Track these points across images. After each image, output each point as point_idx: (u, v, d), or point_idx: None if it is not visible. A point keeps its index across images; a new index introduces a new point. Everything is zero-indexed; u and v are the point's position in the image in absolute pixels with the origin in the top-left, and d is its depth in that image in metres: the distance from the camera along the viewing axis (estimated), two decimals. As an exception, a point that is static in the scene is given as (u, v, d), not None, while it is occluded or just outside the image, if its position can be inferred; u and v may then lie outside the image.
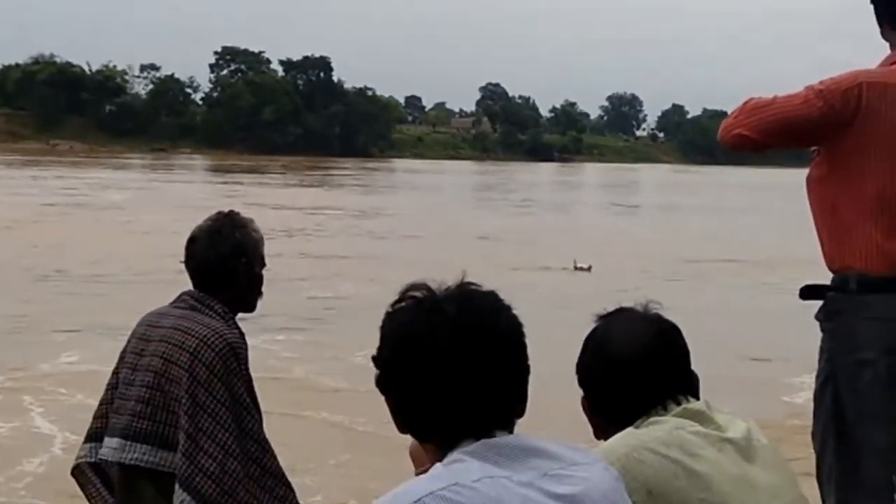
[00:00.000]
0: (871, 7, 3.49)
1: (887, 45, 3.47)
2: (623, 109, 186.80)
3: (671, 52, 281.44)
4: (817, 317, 3.43)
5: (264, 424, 3.41)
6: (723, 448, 2.04)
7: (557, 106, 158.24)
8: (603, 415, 2.20)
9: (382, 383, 1.69)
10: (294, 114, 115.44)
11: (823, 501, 3.39)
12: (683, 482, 1.98)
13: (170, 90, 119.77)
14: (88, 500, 3.51)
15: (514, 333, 1.67)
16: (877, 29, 3.51)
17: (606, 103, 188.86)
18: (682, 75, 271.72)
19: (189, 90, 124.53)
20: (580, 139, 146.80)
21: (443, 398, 1.62)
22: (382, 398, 1.70)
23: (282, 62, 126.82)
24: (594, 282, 19.69)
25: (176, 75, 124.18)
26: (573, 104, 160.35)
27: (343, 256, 22.89)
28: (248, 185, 51.50)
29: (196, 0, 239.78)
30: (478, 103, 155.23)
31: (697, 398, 2.16)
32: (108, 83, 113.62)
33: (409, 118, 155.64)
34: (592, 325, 2.24)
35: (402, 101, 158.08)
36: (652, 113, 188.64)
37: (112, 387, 3.46)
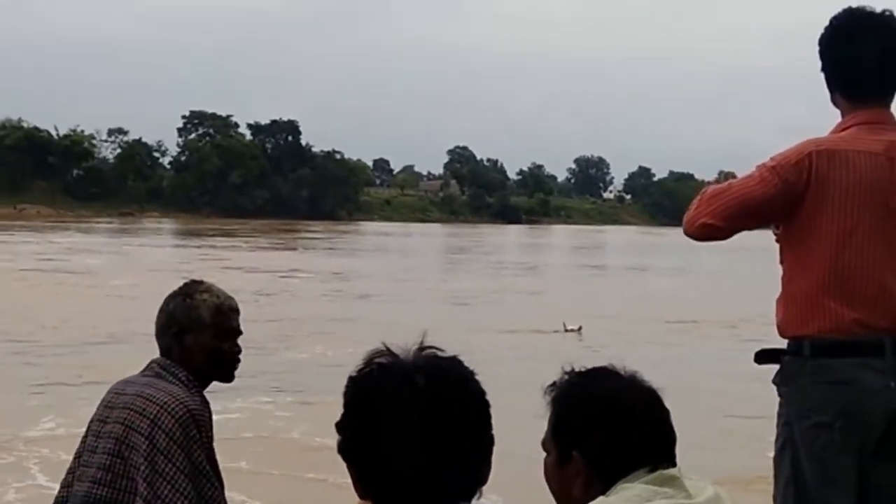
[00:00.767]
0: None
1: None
2: (590, 172, 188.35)
3: (638, 115, 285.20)
4: (774, 381, 3.50)
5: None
6: None
7: (525, 168, 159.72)
8: (580, 476, 2.14)
9: (345, 450, 1.67)
10: (261, 177, 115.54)
11: None
12: None
13: (137, 154, 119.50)
14: None
15: (481, 404, 1.66)
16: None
17: (574, 166, 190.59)
18: (648, 139, 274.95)
19: (157, 154, 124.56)
20: (548, 201, 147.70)
21: (409, 468, 1.60)
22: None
23: (250, 126, 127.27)
24: (586, 344, 19.71)
25: (144, 139, 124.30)
26: (540, 167, 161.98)
27: (319, 319, 22.80)
28: (221, 248, 51.33)
29: (164, 65, 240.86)
30: (446, 166, 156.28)
31: (674, 461, 2.13)
32: (75, 148, 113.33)
33: (378, 181, 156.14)
34: (566, 383, 2.20)
35: (370, 164, 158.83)
36: (619, 175, 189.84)
37: (78, 454, 3.45)
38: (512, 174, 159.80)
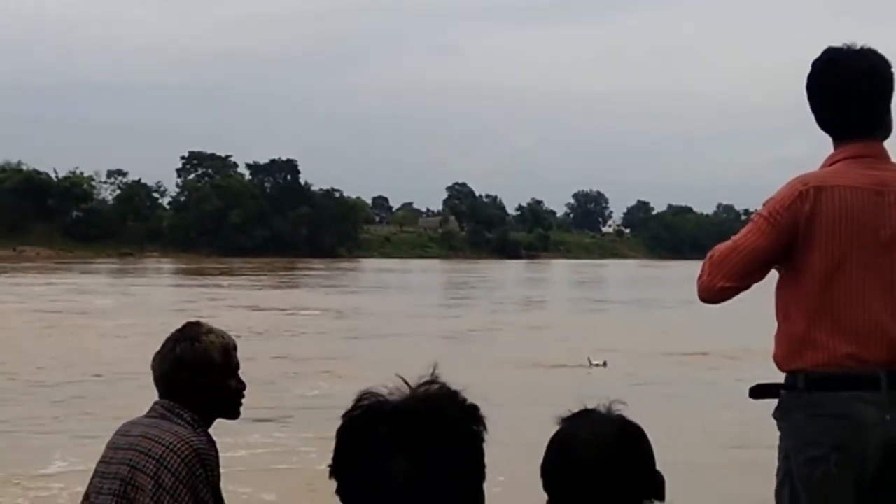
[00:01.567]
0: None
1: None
2: (589, 206, 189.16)
3: (636, 150, 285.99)
4: (774, 415, 3.54)
5: None
6: None
7: (524, 204, 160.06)
8: None
9: (343, 494, 1.59)
10: (261, 216, 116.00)
11: None
12: None
13: (137, 195, 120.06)
14: None
15: (470, 441, 1.58)
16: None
17: (572, 200, 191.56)
18: (647, 172, 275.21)
19: (156, 194, 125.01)
20: (547, 236, 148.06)
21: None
22: None
23: (248, 165, 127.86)
24: (617, 378, 19.28)
25: (143, 180, 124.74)
26: (539, 202, 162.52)
27: (326, 357, 22.61)
28: (226, 287, 51.41)
29: (163, 105, 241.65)
30: (445, 202, 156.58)
31: (662, 499, 2.12)
32: (74, 189, 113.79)
33: (377, 218, 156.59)
34: (556, 428, 2.20)
35: (369, 201, 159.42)
36: (618, 209, 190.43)
37: (86, 496, 3.46)
38: (511, 209, 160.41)
